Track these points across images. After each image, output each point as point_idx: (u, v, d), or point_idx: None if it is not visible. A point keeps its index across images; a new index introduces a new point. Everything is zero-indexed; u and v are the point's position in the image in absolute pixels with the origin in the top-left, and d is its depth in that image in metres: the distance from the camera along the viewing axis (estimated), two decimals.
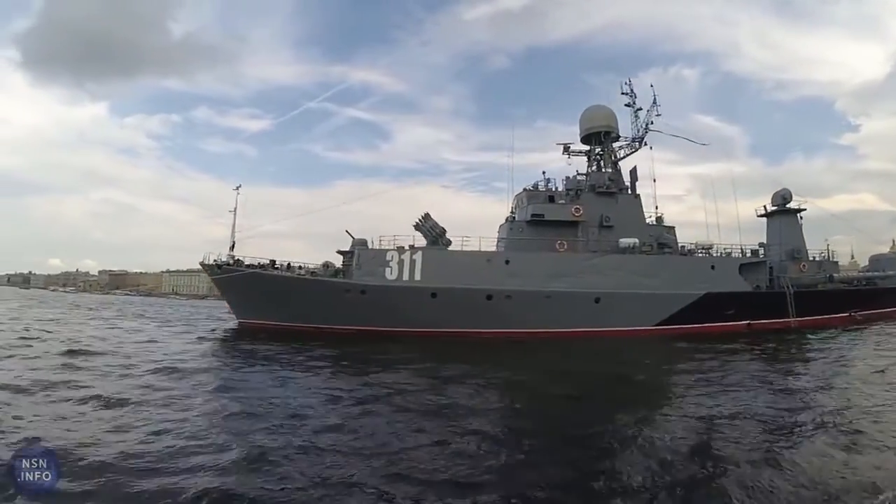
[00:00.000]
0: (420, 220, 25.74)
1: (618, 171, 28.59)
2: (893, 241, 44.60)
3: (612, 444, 6.97)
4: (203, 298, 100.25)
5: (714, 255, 26.83)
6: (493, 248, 25.66)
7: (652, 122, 28.80)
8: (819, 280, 27.34)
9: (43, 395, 9.25)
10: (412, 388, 10.80)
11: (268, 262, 26.78)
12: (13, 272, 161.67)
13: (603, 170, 28.66)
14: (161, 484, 5.35)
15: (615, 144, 29.44)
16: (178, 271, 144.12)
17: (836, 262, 29.96)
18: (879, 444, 6.65)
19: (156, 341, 19.47)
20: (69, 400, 8.93)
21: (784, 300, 24.95)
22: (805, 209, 29.76)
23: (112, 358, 14.22)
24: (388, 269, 23.82)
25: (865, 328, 23.65)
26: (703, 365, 14.43)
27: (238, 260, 26.50)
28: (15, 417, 7.57)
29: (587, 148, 29.73)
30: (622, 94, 29.73)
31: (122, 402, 8.82)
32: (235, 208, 27.68)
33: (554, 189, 27.01)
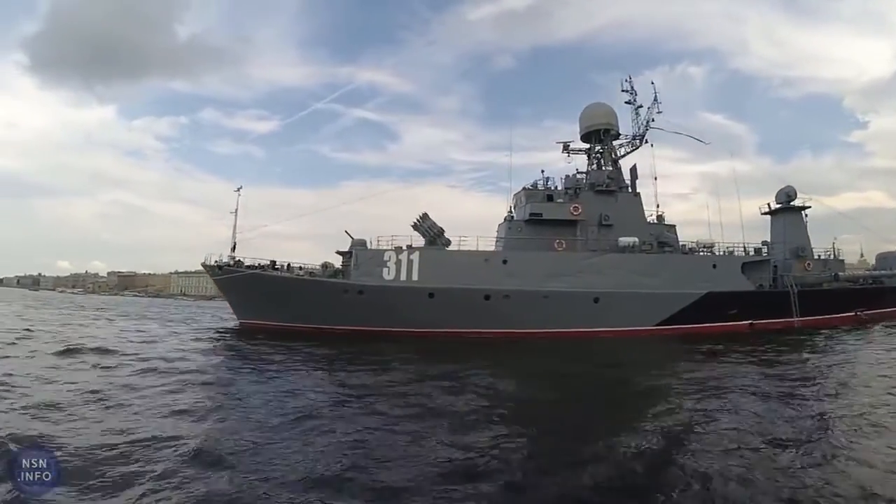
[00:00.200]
0: (418, 220, 25.69)
1: (618, 170, 28.31)
2: None
3: (576, 453, 6.43)
4: (211, 299, 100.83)
5: (717, 253, 26.51)
6: (493, 248, 25.52)
7: (653, 120, 28.55)
8: (824, 279, 26.82)
9: (27, 389, 9.38)
10: (390, 389, 10.74)
11: (268, 263, 26.96)
12: (23, 274, 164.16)
13: (603, 168, 28.43)
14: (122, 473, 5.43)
15: (615, 142, 29.16)
16: (186, 272, 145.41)
17: (842, 261, 29.42)
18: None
19: (154, 341, 19.54)
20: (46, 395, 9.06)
21: (787, 300, 24.53)
22: (810, 206, 29.26)
23: (99, 356, 14.33)
24: (385, 270, 23.79)
25: (871, 328, 23.19)
26: (699, 367, 14.04)
27: (239, 261, 26.64)
28: None
29: (587, 146, 29.47)
30: (622, 91, 29.50)
31: (100, 399, 8.88)
32: (236, 209, 27.87)
33: (553, 188, 26.83)
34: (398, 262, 23.74)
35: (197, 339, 20.78)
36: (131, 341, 18.89)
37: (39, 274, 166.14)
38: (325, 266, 27.02)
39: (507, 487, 5.27)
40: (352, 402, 9.35)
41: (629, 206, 26.56)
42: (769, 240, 29.17)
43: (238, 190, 28.31)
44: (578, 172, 28.34)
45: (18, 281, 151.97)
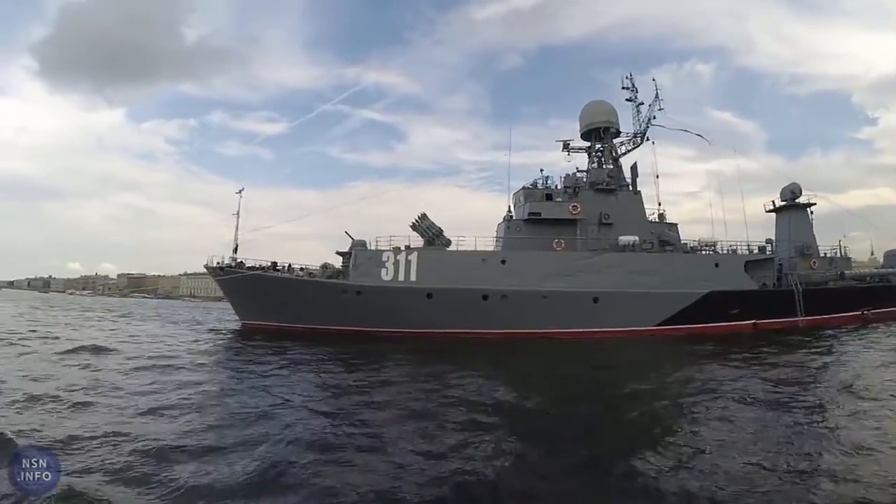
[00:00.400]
0: (417, 220, 25.63)
1: (618, 168, 28.05)
2: None
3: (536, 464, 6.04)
4: (219, 300, 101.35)
5: (720, 252, 26.14)
6: (492, 248, 25.38)
7: (654, 117, 28.29)
8: (829, 277, 26.31)
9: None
10: (367, 388, 10.74)
11: (269, 264, 27.10)
12: (33, 276, 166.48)
13: (604, 167, 28.18)
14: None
15: (616, 140, 28.88)
16: (195, 274, 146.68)
17: (849, 259, 28.86)
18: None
19: (152, 342, 19.73)
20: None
21: (792, 299, 24.11)
22: (815, 203, 28.76)
23: (92, 355, 14.51)
24: (383, 270, 23.77)
25: (878, 327, 22.67)
26: (696, 369, 13.54)
27: (241, 262, 26.81)
28: None
29: (587, 144, 29.22)
30: (623, 88, 29.25)
31: (77, 395, 9.08)
32: (238, 211, 28.10)
33: (553, 187, 26.65)
34: (396, 263, 23.72)
35: (194, 341, 20.88)
36: (124, 342, 19.06)
37: (50, 276, 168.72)
38: (325, 267, 27.10)
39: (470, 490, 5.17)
40: (317, 402, 9.31)
41: (629, 205, 26.30)
42: (773, 237, 28.72)
43: (240, 192, 28.54)
44: (579, 171, 28.17)
45: (29, 283, 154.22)
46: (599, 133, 28.39)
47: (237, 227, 27.70)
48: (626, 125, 29.09)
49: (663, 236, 25.60)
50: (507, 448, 6.56)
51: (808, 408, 8.62)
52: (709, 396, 9.73)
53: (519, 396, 9.97)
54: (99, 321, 30.79)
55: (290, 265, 27.12)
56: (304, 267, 27.31)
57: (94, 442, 6.39)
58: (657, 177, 28.05)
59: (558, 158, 29.20)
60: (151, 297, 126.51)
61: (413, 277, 23.46)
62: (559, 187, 26.61)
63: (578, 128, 29.65)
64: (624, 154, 28.77)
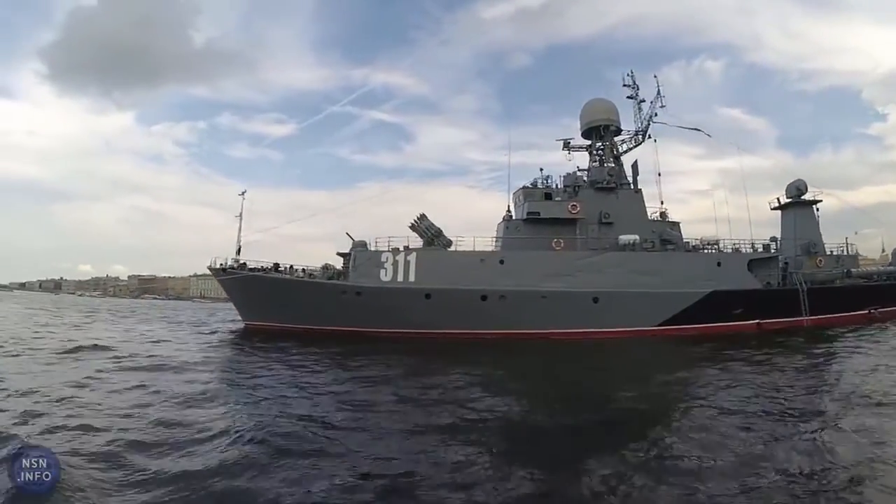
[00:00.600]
0: (416, 221, 25.60)
1: (619, 166, 27.79)
2: None
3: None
4: (228, 301, 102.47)
5: (723, 250, 25.79)
6: (492, 248, 25.27)
7: (656, 115, 27.98)
8: (836, 276, 25.81)
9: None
10: (351, 389, 10.82)
11: (271, 265, 27.26)
12: (45, 278, 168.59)
13: (605, 165, 27.94)
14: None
15: (617, 138, 28.61)
16: (205, 275, 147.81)
17: (855, 256, 28.28)
18: None
19: (150, 341, 20.02)
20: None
21: (797, 298, 23.71)
22: (821, 201, 28.24)
23: (89, 354, 14.73)
24: (382, 271, 23.78)
25: (887, 327, 22.18)
26: (694, 372, 13.16)
27: (243, 263, 27.00)
28: None
29: (588, 143, 28.98)
30: (624, 86, 28.98)
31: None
32: (241, 213, 28.23)
33: (553, 186, 26.47)
34: (395, 264, 23.72)
35: (194, 341, 21.07)
36: (124, 342, 19.29)
37: (61, 278, 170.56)
38: (326, 268, 27.19)
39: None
40: (291, 401, 9.41)
41: (630, 204, 26.03)
42: (779, 236, 28.26)
43: (242, 194, 28.74)
44: (579, 170, 27.97)
45: (40, 285, 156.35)
46: (600, 131, 28.14)
47: (240, 229, 27.92)
48: (628, 123, 28.92)
49: (665, 235, 25.29)
50: (484, 448, 6.49)
51: (806, 417, 7.97)
52: (702, 403, 9.24)
53: (509, 398, 9.85)
54: (104, 322, 31.13)
55: (291, 266, 27.26)
56: (305, 268, 27.47)
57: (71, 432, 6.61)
58: (659, 175, 27.77)
59: (564, 157, 28.77)
60: (161, 298, 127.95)
61: (412, 278, 23.44)
62: (559, 186, 26.46)
63: (579, 126, 29.45)
64: (625, 152, 28.49)
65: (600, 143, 28.40)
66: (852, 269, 26.26)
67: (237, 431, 6.91)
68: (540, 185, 26.29)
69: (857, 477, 5.35)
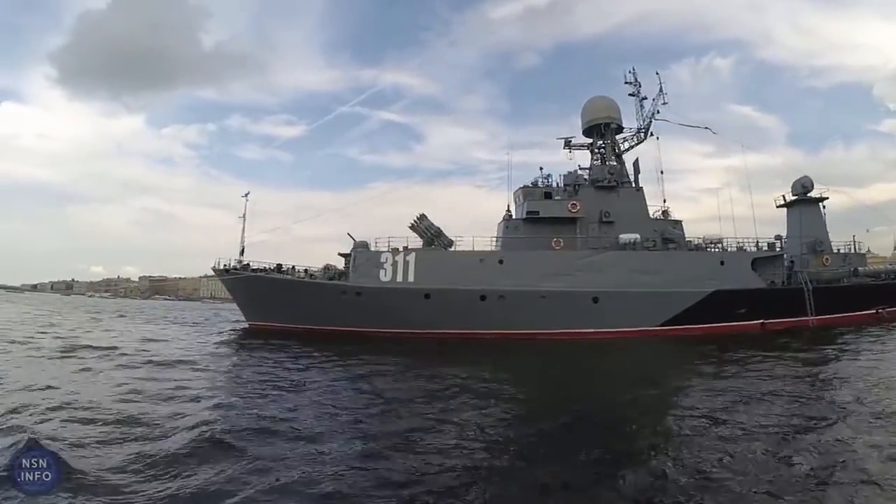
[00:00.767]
0: (415, 221, 25.60)
1: (621, 164, 27.52)
2: None
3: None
4: None
5: (727, 249, 25.42)
6: (493, 248, 25.17)
7: (658, 112, 27.66)
8: (842, 274, 25.29)
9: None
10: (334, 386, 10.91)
11: (273, 265, 27.45)
12: (57, 280, 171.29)
13: (606, 163, 27.69)
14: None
15: (619, 136, 28.33)
16: (215, 276, 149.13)
17: (863, 254, 27.68)
18: None
19: (150, 340, 20.30)
20: None
21: (802, 297, 23.28)
22: (827, 198, 27.67)
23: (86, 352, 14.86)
24: (382, 271, 23.81)
25: (895, 327, 21.67)
26: (694, 375, 12.67)
27: (246, 264, 27.22)
28: None
29: (589, 141, 28.74)
30: (626, 83, 28.70)
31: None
32: (244, 214, 28.46)
33: (554, 185, 26.29)
34: (395, 264, 23.74)
35: (196, 341, 21.28)
36: (125, 341, 19.55)
37: (73, 279, 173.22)
38: (328, 268, 27.33)
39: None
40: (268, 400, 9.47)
41: (631, 202, 25.75)
42: (784, 234, 27.81)
43: (246, 195, 28.95)
44: (581, 168, 27.78)
45: (52, 286, 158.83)
46: (601, 129, 27.89)
47: (243, 230, 28.18)
48: (631, 121, 28.63)
49: (666, 234, 24.98)
50: (477, 447, 6.50)
51: (805, 429, 7.26)
52: (697, 406, 8.84)
53: (501, 399, 9.74)
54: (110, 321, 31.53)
55: (293, 267, 27.42)
56: (307, 269, 27.62)
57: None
58: (661, 173, 27.44)
59: (573, 156, 28.48)
60: (172, 299, 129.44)
61: (411, 278, 23.44)
62: (560, 186, 26.28)
63: (581, 124, 29.21)
64: (627, 150, 28.18)
65: (601, 142, 28.16)
66: (860, 268, 25.72)
67: (201, 425, 7.10)
68: (540, 185, 26.16)
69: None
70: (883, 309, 23.66)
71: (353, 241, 25.72)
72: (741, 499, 4.94)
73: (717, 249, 25.22)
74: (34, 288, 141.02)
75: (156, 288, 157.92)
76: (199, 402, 8.95)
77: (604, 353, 18.81)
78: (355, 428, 7.47)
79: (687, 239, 25.70)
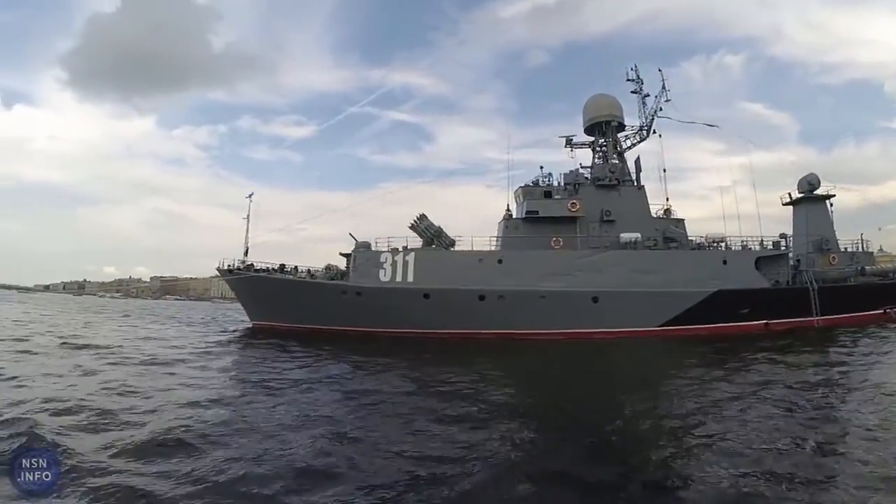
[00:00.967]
0: (415, 221, 25.60)
1: (623, 163, 27.26)
2: None
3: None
4: None
5: (733, 248, 25.08)
6: (492, 248, 25.10)
7: (661, 109, 27.35)
8: (849, 274, 24.79)
9: None
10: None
11: (277, 265, 27.69)
12: (69, 280, 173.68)
13: (608, 161, 27.46)
14: None
15: (621, 134, 28.10)
16: None
17: (871, 253, 27.11)
18: None
19: (148, 339, 20.64)
20: None
21: (807, 297, 22.89)
22: (834, 195, 27.13)
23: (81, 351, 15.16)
24: (382, 271, 23.87)
25: None
26: (692, 379, 12.01)
27: (250, 265, 27.48)
28: None
29: (591, 139, 28.52)
30: (628, 80, 28.39)
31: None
32: (248, 215, 28.76)
33: (555, 184, 26.13)
34: (394, 264, 23.78)
35: (197, 340, 21.50)
36: (126, 339, 19.95)
37: (85, 280, 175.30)
38: (329, 268, 27.51)
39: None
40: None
41: (633, 201, 25.50)
42: (790, 232, 27.33)
43: (250, 196, 29.27)
44: (582, 167, 27.60)
45: (64, 287, 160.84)
46: (602, 127, 27.68)
47: (247, 231, 28.46)
48: (634, 118, 28.36)
49: (668, 233, 24.67)
50: (470, 451, 6.46)
51: (804, 437, 6.81)
52: (692, 410, 8.57)
53: (494, 399, 9.73)
54: (106, 321, 31.99)
55: (296, 267, 27.63)
56: (309, 269, 27.82)
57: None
58: (664, 171, 27.09)
59: (581, 155, 28.26)
60: (182, 299, 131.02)
61: (410, 278, 23.46)
62: (561, 184, 26.12)
63: (582, 123, 29.01)
64: (629, 148, 27.92)
65: (603, 140, 27.92)
66: (867, 267, 25.18)
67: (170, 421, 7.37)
68: (540, 184, 26.03)
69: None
70: (891, 309, 23.17)
71: (355, 241, 25.88)
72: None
73: (720, 248, 24.90)
74: (46, 288, 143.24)
75: (167, 288, 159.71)
76: (176, 399, 9.11)
77: (603, 354, 18.65)
78: (323, 428, 7.48)
79: (689, 238, 25.40)
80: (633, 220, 24.65)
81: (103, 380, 10.51)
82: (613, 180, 25.66)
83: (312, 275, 26.66)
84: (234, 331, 26.82)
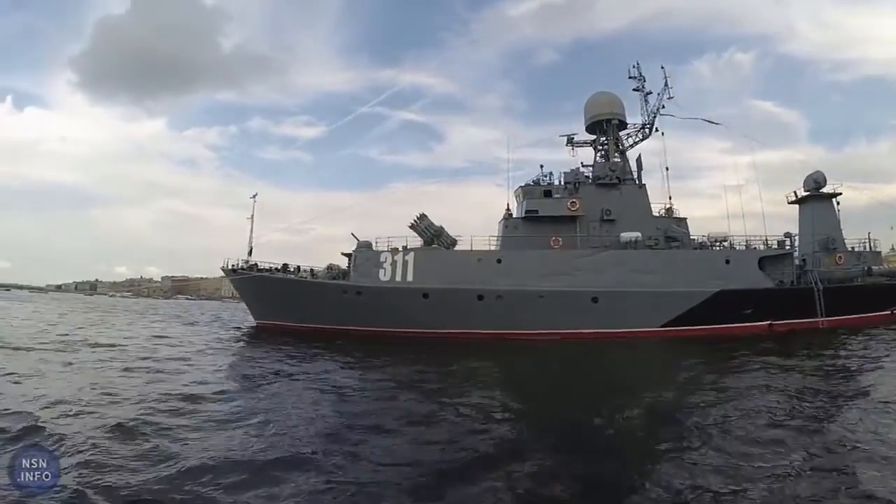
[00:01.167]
0: (415, 221, 25.65)
1: (624, 161, 27.03)
2: None
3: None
4: None
5: (737, 247, 24.75)
6: (491, 247, 25.06)
7: (663, 107, 27.15)
8: (855, 274, 24.31)
9: None
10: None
11: (280, 265, 27.95)
12: (81, 280, 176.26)
13: (610, 160, 27.28)
14: None
15: (622, 132, 27.89)
16: None
17: (879, 253, 26.53)
18: None
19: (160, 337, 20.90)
20: None
21: (812, 297, 22.51)
22: (840, 193, 26.59)
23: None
24: (381, 271, 23.96)
25: None
26: (691, 380, 11.96)
27: (253, 264, 27.77)
28: None
29: (592, 138, 28.35)
30: (630, 77, 28.17)
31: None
32: (252, 215, 29.10)
33: (556, 183, 26.01)
34: (394, 264, 23.86)
35: (199, 339, 21.70)
36: (130, 338, 20.07)
37: (97, 280, 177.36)
38: (330, 268, 27.68)
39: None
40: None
41: (633, 199, 25.26)
42: (797, 231, 26.88)
43: (253, 197, 29.57)
44: (583, 166, 27.44)
45: (76, 286, 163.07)
46: (603, 125, 27.50)
47: (251, 230, 28.76)
48: (636, 117, 28.16)
49: (669, 232, 24.39)
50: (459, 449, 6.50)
51: (804, 444, 6.53)
52: (690, 414, 8.38)
53: (487, 399, 9.70)
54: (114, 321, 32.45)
55: (298, 266, 27.87)
56: (312, 268, 28.03)
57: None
58: (667, 169, 26.82)
59: (584, 155, 28.11)
60: (193, 299, 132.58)
61: (410, 278, 23.52)
62: (561, 183, 25.99)
63: (584, 121, 28.84)
64: (631, 146, 27.69)
65: (604, 138, 27.73)
66: (874, 267, 24.68)
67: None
68: (540, 183, 25.93)
69: None
70: None
71: (356, 241, 26.02)
72: None
73: (723, 248, 24.59)
74: (58, 288, 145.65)
75: (178, 288, 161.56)
76: (164, 393, 9.28)
77: (602, 354, 18.49)
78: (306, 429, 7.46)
79: (692, 237, 25.13)
80: (634, 219, 24.44)
81: (92, 379, 10.61)
82: (614, 179, 25.46)
83: (314, 274, 26.85)
84: (237, 329, 27.08)
